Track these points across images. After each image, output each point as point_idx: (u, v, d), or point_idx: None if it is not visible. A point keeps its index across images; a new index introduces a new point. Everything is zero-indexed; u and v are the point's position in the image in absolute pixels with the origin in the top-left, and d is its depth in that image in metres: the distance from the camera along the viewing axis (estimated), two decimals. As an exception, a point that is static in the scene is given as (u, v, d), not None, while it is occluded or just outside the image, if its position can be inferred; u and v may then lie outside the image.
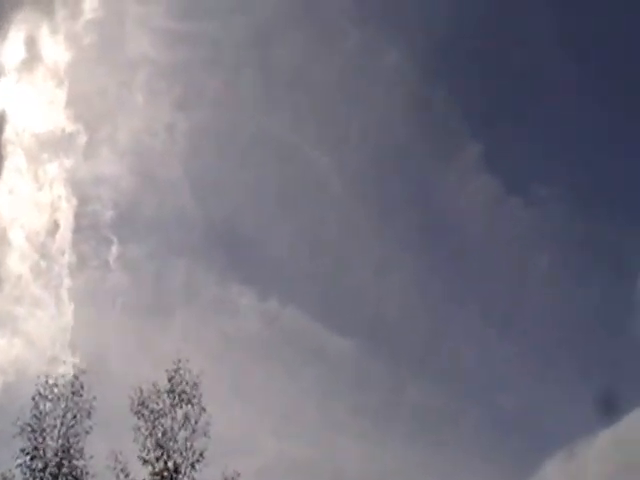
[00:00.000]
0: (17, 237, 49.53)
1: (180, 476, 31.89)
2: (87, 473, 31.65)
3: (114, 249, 58.71)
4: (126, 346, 55.30)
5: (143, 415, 32.49)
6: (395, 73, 69.10)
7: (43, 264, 49.59)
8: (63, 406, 32.22)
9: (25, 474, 31.00)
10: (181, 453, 32.19)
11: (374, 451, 62.08)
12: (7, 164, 47.18)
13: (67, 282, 49.02)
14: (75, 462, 31.58)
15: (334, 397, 64.71)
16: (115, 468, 31.57)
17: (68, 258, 50.78)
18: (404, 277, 69.87)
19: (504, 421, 66.66)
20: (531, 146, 72.52)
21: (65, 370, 32.79)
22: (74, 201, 53.39)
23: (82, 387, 32.48)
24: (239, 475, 32.33)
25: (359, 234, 71.14)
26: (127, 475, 31.65)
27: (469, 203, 71.46)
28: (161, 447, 32.09)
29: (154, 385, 32.89)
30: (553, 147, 72.65)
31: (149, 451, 32.05)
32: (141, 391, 32.69)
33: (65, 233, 51.90)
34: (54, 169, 53.36)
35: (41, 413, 31.96)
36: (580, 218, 69.44)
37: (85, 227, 57.25)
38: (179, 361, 33.33)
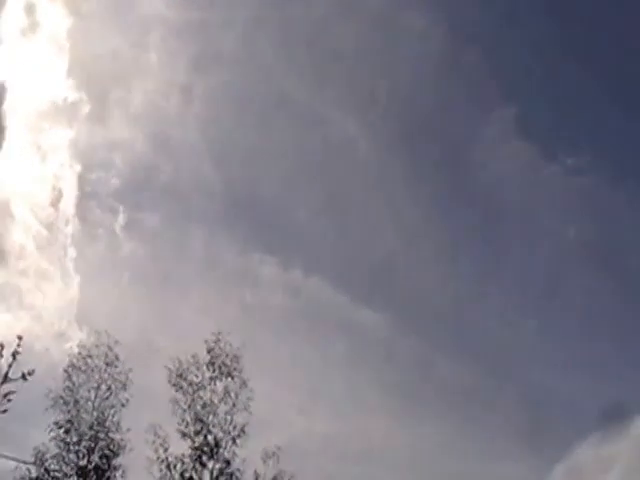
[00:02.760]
0: (20, 209, 48.09)
1: (221, 450, 30.73)
2: (124, 447, 30.42)
3: (122, 218, 57.24)
4: (139, 318, 54.16)
5: (182, 387, 31.27)
6: (425, 32, 66.86)
7: (47, 235, 48.14)
8: (97, 378, 30.98)
9: (60, 447, 29.82)
10: (221, 427, 31.02)
11: (403, 428, 60.96)
12: (8, 135, 45.54)
13: (72, 253, 47.55)
14: (111, 435, 30.35)
15: (361, 372, 63.29)
16: (154, 442, 30.46)
17: (72, 228, 49.29)
18: (436, 247, 67.99)
19: (537, 400, 65.53)
20: (567, 112, 70.85)
21: (71, 345, 31.71)
22: (78, 170, 51.90)
23: (117, 358, 31.21)
24: (280, 449, 31.08)
25: (387, 201, 69.09)
26: (166, 449, 30.52)
27: (503, 169, 69.10)
28: (201, 421, 30.92)
29: (193, 357, 31.67)
30: (590, 114, 70.92)
31: (188, 424, 30.90)
32: (180, 363, 31.47)
33: (69, 203, 50.43)
34: (57, 139, 51.84)
35: (74, 385, 30.75)
36: (618, 188, 67.80)
37: (90, 196, 55.90)
38: (219, 333, 32.08)
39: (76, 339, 37.47)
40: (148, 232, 62.09)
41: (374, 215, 67.39)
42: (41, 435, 30.14)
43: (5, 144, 44.70)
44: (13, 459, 28.18)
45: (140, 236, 61.89)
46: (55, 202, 49.34)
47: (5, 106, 44.62)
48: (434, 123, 68.49)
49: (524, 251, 68.96)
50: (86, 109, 52.99)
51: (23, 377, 14.03)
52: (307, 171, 68.15)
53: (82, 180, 52.90)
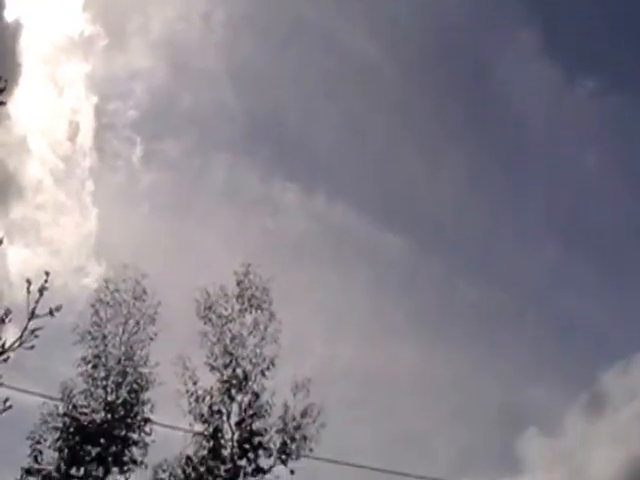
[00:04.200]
0: (37, 144, 47.22)
1: (250, 383, 30.32)
2: (153, 381, 30.05)
3: (140, 148, 56.50)
4: (160, 249, 53.71)
5: (210, 320, 30.79)
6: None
7: (65, 169, 47.39)
8: (125, 312, 30.48)
9: (87, 383, 29.50)
10: (250, 360, 30.56)
11: (428, 355, 60.68)
12: (24, 71, 44.54)
13: (90, 186, 46.84)
14: (140, 369, 29.96)
15: (386, 299, 62.87)
16: (183, 375, 30.07)
17: (90, 161, 48.50)
18: (459, 171, 67.01)
19: (564, 326, 65.05)
20: (595, 32, 68.75)
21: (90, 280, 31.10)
22: (94, 102, 51.03)
23: (145, 292, 30.66)
24: (310, 381, 30.60)
25: (411, 125, 68.03)
26: (195, 382, 30.14)
27: (529, 92, 67.93)
28: (229, 354, 30.46)
29: (221, 289, 31.09)
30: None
31: (217, 358, 30.47)
32: (208, 295, 30.92)
33: (86, 136, 49.57)
34: (73, 73, 51.11)
35: (102, 320, 30.29)
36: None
37: (107, 128, 55.08)
38: (248, 265, 31.42)
39: (95, 274, 37.19)
40: (168, 162, 61.67)
41: (397, 140, 66.38)
42: (66, 369, 29.99)
43: (21, 80, 43.75)
44: (40, 395, 28.04)
45: (160, 166, 61.59)
46: (72, 136, 48.59)
47: (21, 42, 43.58)
48: (456, 44, 67.27)
49: (546, 174, 68.02)
50: (103, 42, 52.00)
51: (50, 313, 13.47)
52: (328, 96, 67.10)
53: (99, 112, 52.24)
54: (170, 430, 30.05)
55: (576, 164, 68.32)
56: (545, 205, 67.69)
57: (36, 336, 13.46)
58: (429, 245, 66.09)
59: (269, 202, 62.71)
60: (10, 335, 13.34)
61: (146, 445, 29.25)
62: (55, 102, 49.96)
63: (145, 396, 29.75)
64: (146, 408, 29.61)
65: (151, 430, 29.27)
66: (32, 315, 13.29)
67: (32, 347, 13.50)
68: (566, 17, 68.35)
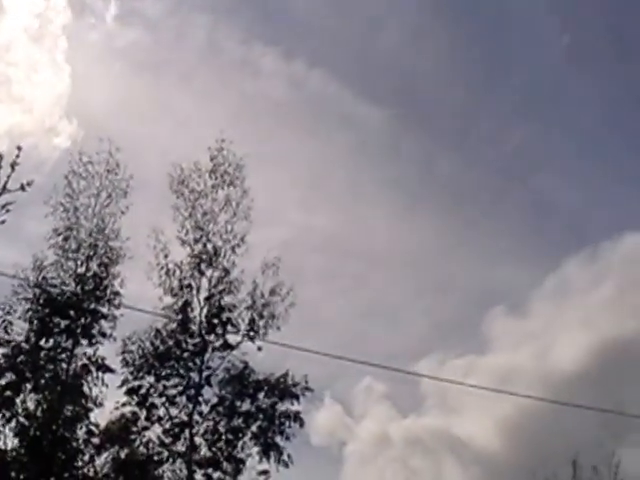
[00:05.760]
0: (10, 1, 45.64)
1: (220, 259, 30.37)
2: (124, 255, 29.98)
3: (116, 6, 54.89)
4: (135, 110, 52.94)
5: (183, 194, 30.63)
6: None
7: (38, 26, 45.83)
8: (97, 184, 30.15)
9: (58, 255, 29.35)
10: (221, 236, 30.54)
11: (403, 226, 61.11)
12: None
13: (64, 44, 45.39)
14: (111, 243, 29.83)
15: (363, 169, 63.04)
16: (155, 247, 30.11)
17: (64, 19, 46.87)
18: (441, 43, 65.83)
19: (539, 208, 65.41)
20: None
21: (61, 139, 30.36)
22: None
23: (118, 165, 30.30)
24: (280, 260, 30.72)
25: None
26: (166, 256, 30.19)
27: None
28: (200, 229, 30.44)
29: (195, 164, 30.82)
30: None
31: (188, 232, 30.46)
32: (181, 169, 30.67)
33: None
34: None
35: (74, 191, 29.96)
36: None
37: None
38: (222, 141, 31.06)
39: (67, 133, 36.62)
40: (146, 21, 60.20)
41: (379, 8, 64.83)
42: (36, 228, 30.35)
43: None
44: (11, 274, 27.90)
45: (138, 25, 60.16)
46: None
47: None
48: None
49: (526, 56, 67.25)
50: None
51: (22, 188, 13.16)
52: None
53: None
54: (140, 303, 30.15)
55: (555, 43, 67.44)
56: (526, 83, 67.11)
57: (8, 210, 13.22)
58: (408, 118, 65.77)
59: (249, 65, 61.80)
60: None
61: (115, 318, 29.35)
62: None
63: (115, 270, 29.69)
64: (116, 282, 29.59)
65: (119, 304, 29.32)
66: (3, 190, 13.01)
67: (3, 222, 13.28)
68: None
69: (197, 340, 29.77)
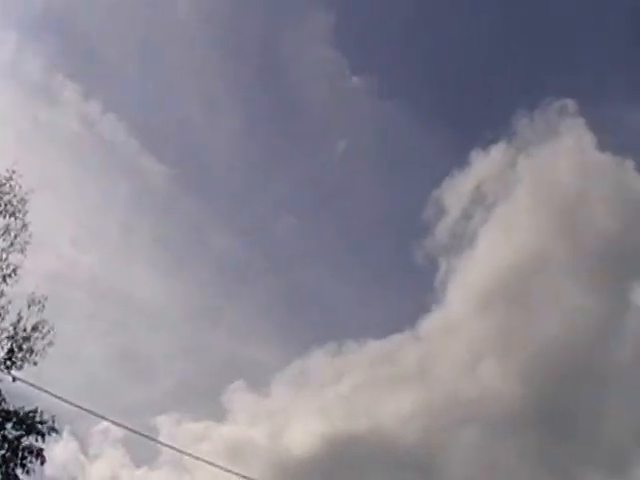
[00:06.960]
0: None
1: (-11, 285, 30.20)
2: None
3: None
4: None
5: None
6: None
7: None
8: None
9: None
10: (-6, 263, 30.43)
11: (168, 281, 61.98)
12: None
13: None
14: None
15: (139, 221, 63.78)
16: None
17: None
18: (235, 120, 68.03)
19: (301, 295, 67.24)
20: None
21: None
22: None
23: None
24: (47, 299, 30.97)
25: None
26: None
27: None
28: (-26, 252, 30.17)
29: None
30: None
31: (-41, 256, 30.10)
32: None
33: None
34: None
35: None
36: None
37: None
38: (13, 172, 31.21)
39: None
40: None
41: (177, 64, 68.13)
42: None
43: None
44: None
45: None
46: None
47: None
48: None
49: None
50: None
51: None
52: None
53: None
54: None
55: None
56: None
57: None
58: (190, 180, 66.68)
59: (47, 93, 62.06)
60: None
61: None
62: None
63: None
64: None
65: None
66: None
67: None
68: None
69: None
